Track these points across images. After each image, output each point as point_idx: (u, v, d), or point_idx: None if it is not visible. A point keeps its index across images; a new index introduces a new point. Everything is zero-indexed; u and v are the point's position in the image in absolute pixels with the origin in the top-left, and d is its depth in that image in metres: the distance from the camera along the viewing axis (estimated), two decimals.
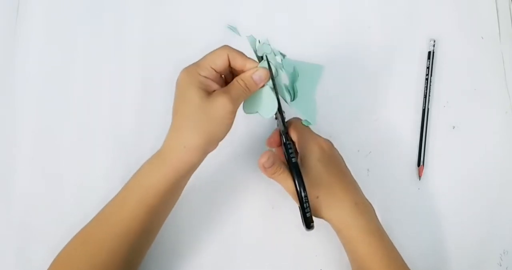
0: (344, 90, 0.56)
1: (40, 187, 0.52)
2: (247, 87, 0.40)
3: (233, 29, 0.57)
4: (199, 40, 0.57)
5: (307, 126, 0.46)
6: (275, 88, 0.41)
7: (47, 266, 0.41)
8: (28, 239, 0.50)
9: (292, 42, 0.57)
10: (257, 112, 0.43)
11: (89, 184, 0.52)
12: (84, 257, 0.40)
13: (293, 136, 0.45)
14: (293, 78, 0.44)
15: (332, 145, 0.45)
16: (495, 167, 0.54)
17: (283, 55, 0.42)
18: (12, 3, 0.57)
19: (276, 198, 0.51)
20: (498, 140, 0.55)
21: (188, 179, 0.43)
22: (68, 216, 0.50)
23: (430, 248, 0.51)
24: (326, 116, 0.54)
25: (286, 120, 0.45)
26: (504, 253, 0.51)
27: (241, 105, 0.42)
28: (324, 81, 0.56)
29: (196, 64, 0.40)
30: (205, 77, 0.40)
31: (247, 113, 0.43)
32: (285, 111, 0.44)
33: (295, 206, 0.44)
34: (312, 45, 0.57)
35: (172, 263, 0.49)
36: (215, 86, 0.41)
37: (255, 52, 0.42)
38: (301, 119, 0.46)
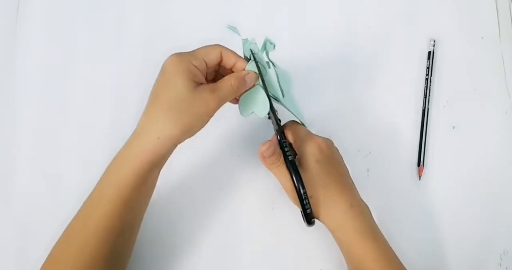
0: (344, 90, 0.56)
1: (40, 187, 0.52)
2: (237, 87, 0.40)
3: (233, 29, 0.57)
4: (199, 40, 0.57)
5: (303, 126, 0.46)
6: (264, 86, 0.42)
7: None
8: (28, 239, 0.50)
9: (292, 42, 0.57)
10: (252, 112, 0.43)
11: (89, 184, 0.52)
12: (68, 259, 0.39)
13: (289, 137, 0.45)
14: (277, 76, 0.44)
15: (331, 143, 0.45)
16: (495, 166, 0.54)
17: (273, 44, 0.42)
18: (12, 3, 0.57)
19: (276, 199, 0.51)
20: (498, 140, 0.55)
21: (160, 170, 0.42)
22: (68, 216, 0.50)
23: (430, 248, 0.51)
24: (326, 116, 0.54)
25: (282, 124, 0.45)
26: (504, 253, 0.50)
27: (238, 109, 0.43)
28: (324, 81, 0.56)
29: (189, 53, 0.40)
30: (196, 67, 0.39)
31: (244, 116, 0.43)
32: (277, 110, 0.44)
33: (295, 207, 0.44)
34: (312, 45, 0.57)
35: (171, 263, 0.49)
36: (202, 79, 0.40)
37: (244, 53, 0.42)
38: (296, 122, 0.46)
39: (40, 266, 0.41)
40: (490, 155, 0.54)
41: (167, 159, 0.41)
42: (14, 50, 0.56)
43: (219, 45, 0.41)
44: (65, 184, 0.52)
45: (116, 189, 0.39)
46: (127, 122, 0.54)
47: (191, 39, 0.57)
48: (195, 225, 0.50)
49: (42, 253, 0.48)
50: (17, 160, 0.53)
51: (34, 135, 0.53)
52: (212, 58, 0.40)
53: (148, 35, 0.57)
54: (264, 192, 0.51)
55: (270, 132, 0.50)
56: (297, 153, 0.43)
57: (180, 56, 0.39)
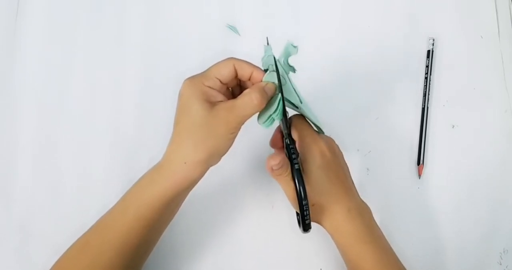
0: (344, 90, 0.56)
1: (41, 187, 0.52)
2: (260, 101, 0.38)
3: (232, 28, 0.57)
4: (200, 39, 0.57)
5: (309, 125, 0.45)
6: (281, 92, 0.40)
7: (47, 266, 0.41)
8: (28, 239, 0.50)
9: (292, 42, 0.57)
10: (272, 119, 0.41)
11: (89, 184, 0.52)
12: (82, 263, 0.40)
13: (294, 135, 0.44)
14: (292, 83, 0.43)
15: (333, 145, 0.44)
16: (495, 165, 0.54)
17: (296, 47, 0.41)
18: (12, 3, 0.57)
19: (277, 197, 0.51)
20: (498, 139, 0.55)
21: (188, 193, 0.42)
22: (69, 215, 0.50)
23: (430, 247, 0.51)
24: (326, 115, 0.54)
25: (288, 117, 0.44)
26: (504, 252, 0.51)
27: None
28: (324, 80, 0.56)
29: (200, 74, 0.39)
30: (210, 87, 0.38)
31: (262, 124, 0.41)
32: (288, 112, 0.44)
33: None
34: (312, 44, 0.57)
35: (171, 264, 0.49)
36: (220, 97, 0.39)
37: (263, 63, 0.41)
38: (303, 117, 0.45)
39: (40, 266, 0.41)
40: (489, 153, 0.54)
41: (197, 182, 0.41)
42: (14, 50, 0.56)
43: (232, 58, 0.39)
44: (66, 184, 0.52)
45: (138, 208, 0.39)
46: (128, 122, 0.54)
47: (192, 39, 0.57)
48: (194, 225, 0.50)
49: (42, 253, 0.48)
50: (17, 159, 0.52)
51: (34, 134, 0.53)
52: (225, 74, 0.39)
53: (149, 34, 0.57)
54: (264, 191, 0.51)
55: (270, 130, 0.50)
56: (299, 155, 0.42)
57: (192, 79, 0.39)
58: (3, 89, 0.55)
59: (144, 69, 0.56)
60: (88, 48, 0.57)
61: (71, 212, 0.51)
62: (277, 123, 0.42)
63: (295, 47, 0.41)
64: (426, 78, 0.56)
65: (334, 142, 0.45)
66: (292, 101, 0.42)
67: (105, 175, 0.52)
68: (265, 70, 0.41)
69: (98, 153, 0.53)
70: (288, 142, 0.42)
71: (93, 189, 0.52)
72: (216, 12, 0.58)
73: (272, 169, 0.40)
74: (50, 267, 0.41)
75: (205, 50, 0.56)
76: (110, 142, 0.53)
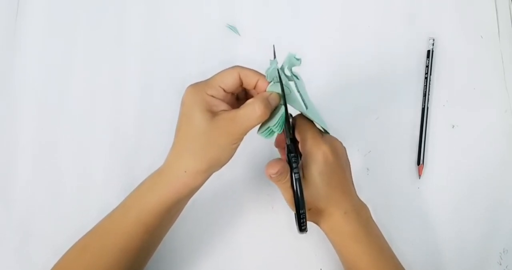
0: (344, 90, 0.56)
1: (40, 187, 0.52)
2: (263, 111, 0.37)
3: (232, 28, 0.57)
4: (199, 39, 0.57)
5: (313, 125, 0.43)
6: (284, 103, 0.40)
7: (47, 266, 0.41)
8: (28, 239, 0.50)
9: (292, 42, 0.57)
10: (268, 127, 0.40)
11: (89, 184, 0.52)
12: (81, 265, 0.40)
13: (297, 135, 0.43)
14: (298, 90, 0.42)
15: (336, 146, 0.42)
16: (495, 165, 0.54)
17: (299, 60, 0.40)
18: (12, 3, 0.57)
19: (276, 198, 0.51)
20: (498, 139, 0.55)
21: (189, 200, 0.42)
22: (69, 215, 0.50)
23: (430, 247, 0.51)
24: (326, 115, 0.54)
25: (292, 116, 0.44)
26: (504, 252, 0.51)
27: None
28: (323, 80, 0.56)
29: (204, 82, 0.39)
30: (212, 96, 0.38)
31: (265, 138, 0.40)
32: (291, 113, 0.44)
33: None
34: (312, 44, 0.57)
35: (172, 266, 0.49)
36: (222, 106, 0.38)
37: (267, 76, 0.40)
38: (306, 118, 0.43)
39: (40, 266, 0.41)
40: (489, 153, 0.54)
41: (198, 189, 0.41)
42: (14, 50, 0.56)
43: (237, 67, 0.39)
44: (66, 184, 0.52)
45: (139, 213, 0.39)
46: (128, 122, 0.54)
47: (192, 39, 0.57)
48: (194, 227, 0.50)
49: (42, 253, 0.48)
50: (17, 159, 0.52)
51: (34, 134, 0.53)
52: (229, 83, 0.38)
53: (149, 34, 0.57)
54: (264, 192, 0.51)
55: None
56: (302, 157, 0.42)
57: (195, 87, 0.38)
58: (3, 89, 0.55)
59: (144, 69, 0.56)
60: (88, 48, 0.57)
61: (71, 212, 0.51)
62: (276, 134, 0.41)
63: (298, 59, 0.40)
64: (426, 78, 0.56)
65: (338, 142, 0.43)
66: (297, 109, 0.42)
67: (105, 175, 0.52)
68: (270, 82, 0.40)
69: (98, 153, 0.53)
70: (291, 149, 0.41)
71: (93, 189, 0.52)
72: (216, 12, 0.58)
73: (270, 176, 0.39)
74: (49, 268, 0.41)
75: (205, 50, 0.56)
76: (110, 142, 0.53)
